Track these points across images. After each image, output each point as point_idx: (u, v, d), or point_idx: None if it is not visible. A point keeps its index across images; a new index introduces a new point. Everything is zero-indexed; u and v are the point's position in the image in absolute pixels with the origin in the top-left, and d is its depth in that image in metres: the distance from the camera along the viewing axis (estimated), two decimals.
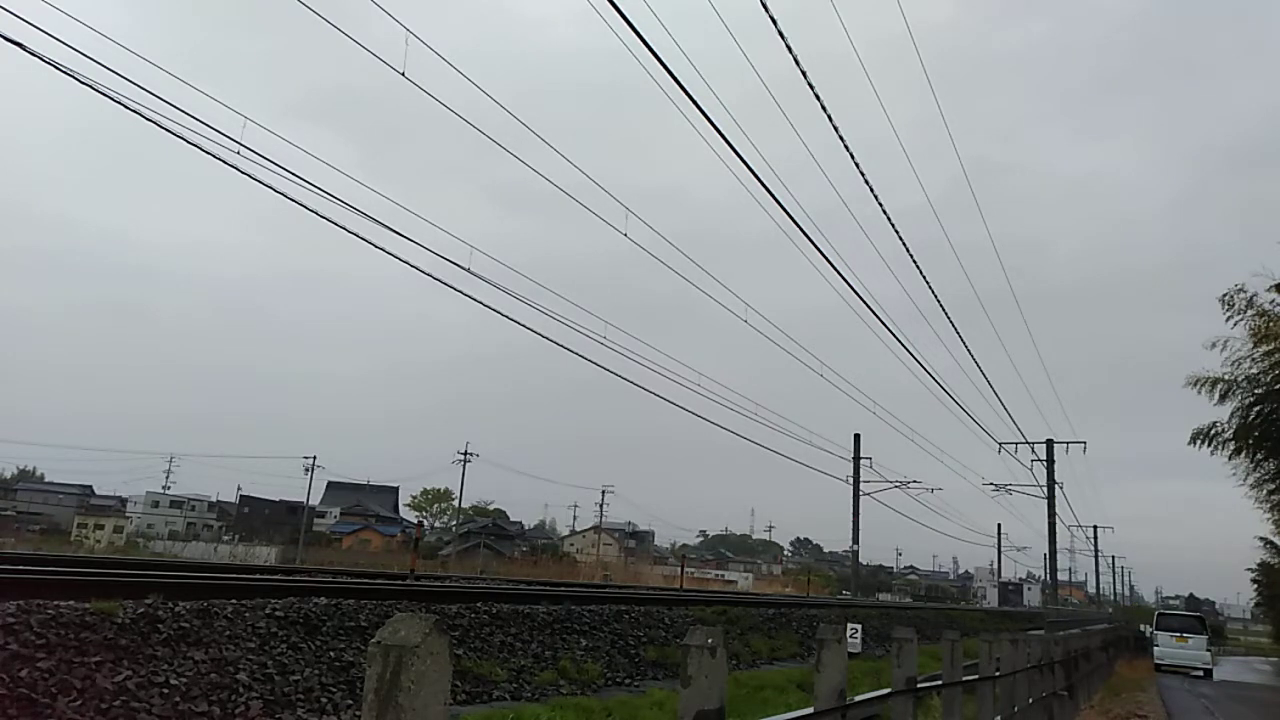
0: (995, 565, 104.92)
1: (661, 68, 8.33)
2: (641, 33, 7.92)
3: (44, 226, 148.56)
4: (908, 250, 13.93)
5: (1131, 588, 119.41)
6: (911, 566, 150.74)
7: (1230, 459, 24.40)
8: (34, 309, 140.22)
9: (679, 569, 61.49)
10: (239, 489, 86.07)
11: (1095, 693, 18.31)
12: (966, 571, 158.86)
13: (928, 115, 34.88)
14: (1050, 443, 34.76)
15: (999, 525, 76.16)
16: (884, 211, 12.14)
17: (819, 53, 11.35)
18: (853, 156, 10.81)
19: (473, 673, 10.62)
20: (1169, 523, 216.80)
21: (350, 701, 8.60)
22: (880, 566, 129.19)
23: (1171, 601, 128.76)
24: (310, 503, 71.87)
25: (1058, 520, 35.38)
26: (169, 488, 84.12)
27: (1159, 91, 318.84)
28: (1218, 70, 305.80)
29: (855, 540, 42.54)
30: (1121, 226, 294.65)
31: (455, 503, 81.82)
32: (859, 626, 20.19)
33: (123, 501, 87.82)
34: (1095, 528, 71.98)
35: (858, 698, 4.62)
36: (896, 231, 13.15)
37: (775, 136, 13.61)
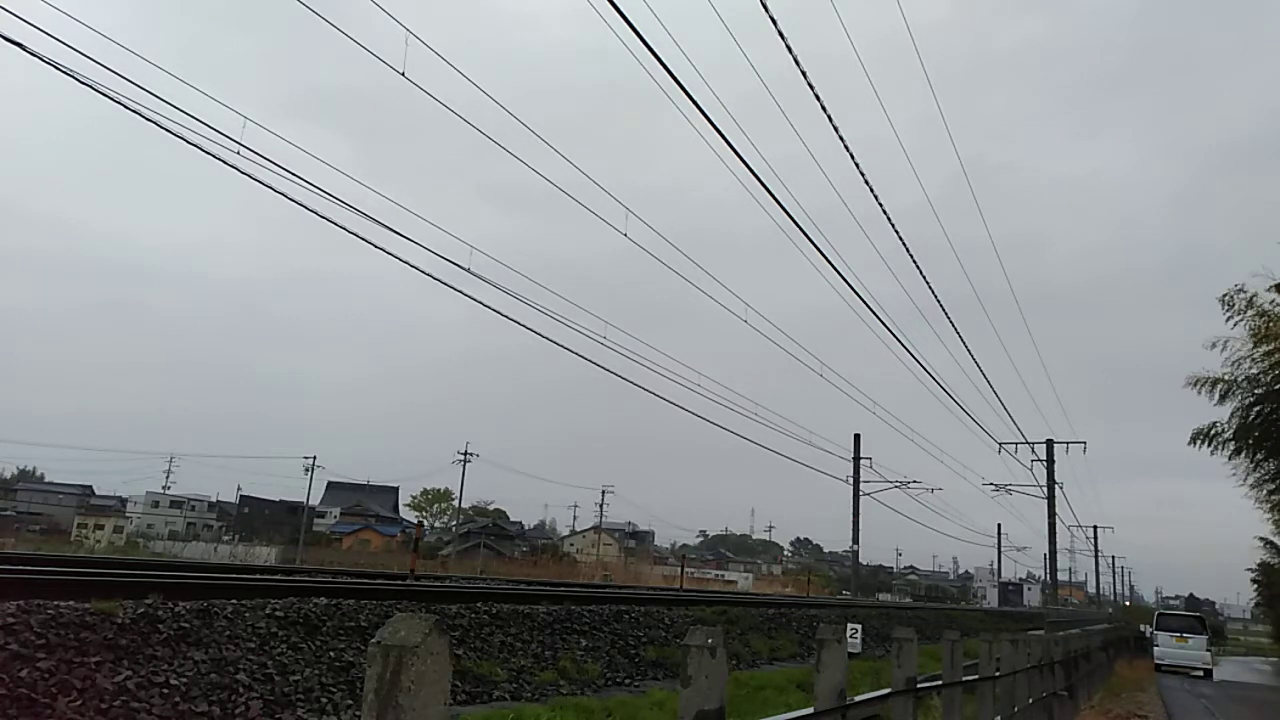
0: (995, 565, 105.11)
1: (660, 66, 8.33)
2: (640, 31, 7.92)
3: (43, 227, 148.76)
4: (907, 249, 13.92)
5: (1131, 588, 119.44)
6: (911, 566, 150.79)
7: (1230, 459, 24.41)
8: (34, 309, 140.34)
9: (679, 569, 61.48)
10: (239, 489, 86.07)
11: (1095, 693, 18.31)
12: (966, 572, 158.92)
13: (925, 114, 35.14)
14: (1050, 443, 34.76)
15: (999, 525, 76.25)
16: (883, 210, 12.14)
17: (815, 51, 11.35)
18: (852, 156, 10.81)
19: (473, 673, 10.61)
20: (1169, 523, 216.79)
21: (350, 701, 8.59)
22: (880, 566, 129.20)
23: (1171, 601, 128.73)
24: (310, 503, 71.87)
25: (1058, 520, 35.38)
26: (169, 488, 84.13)
27: (1158, 90, 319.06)
28: (1218, 69, 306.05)
29: (855, 540, 42.54)
30: (1121, 226, 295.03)
31: (455, 503, 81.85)
32: (859, 626, 20.18)
33: (123, 501, 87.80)
34: (1095, 528, 72.06)
35: (858, 698, 4.61)
36: (896, 231, 13.15)
37: (774, 135, 13.61)
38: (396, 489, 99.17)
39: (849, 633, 17.19)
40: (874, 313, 15.61)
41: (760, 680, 13.81)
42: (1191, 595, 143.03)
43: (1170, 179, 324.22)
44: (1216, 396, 23.23)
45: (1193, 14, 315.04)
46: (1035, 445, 34.59)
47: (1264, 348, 21.58)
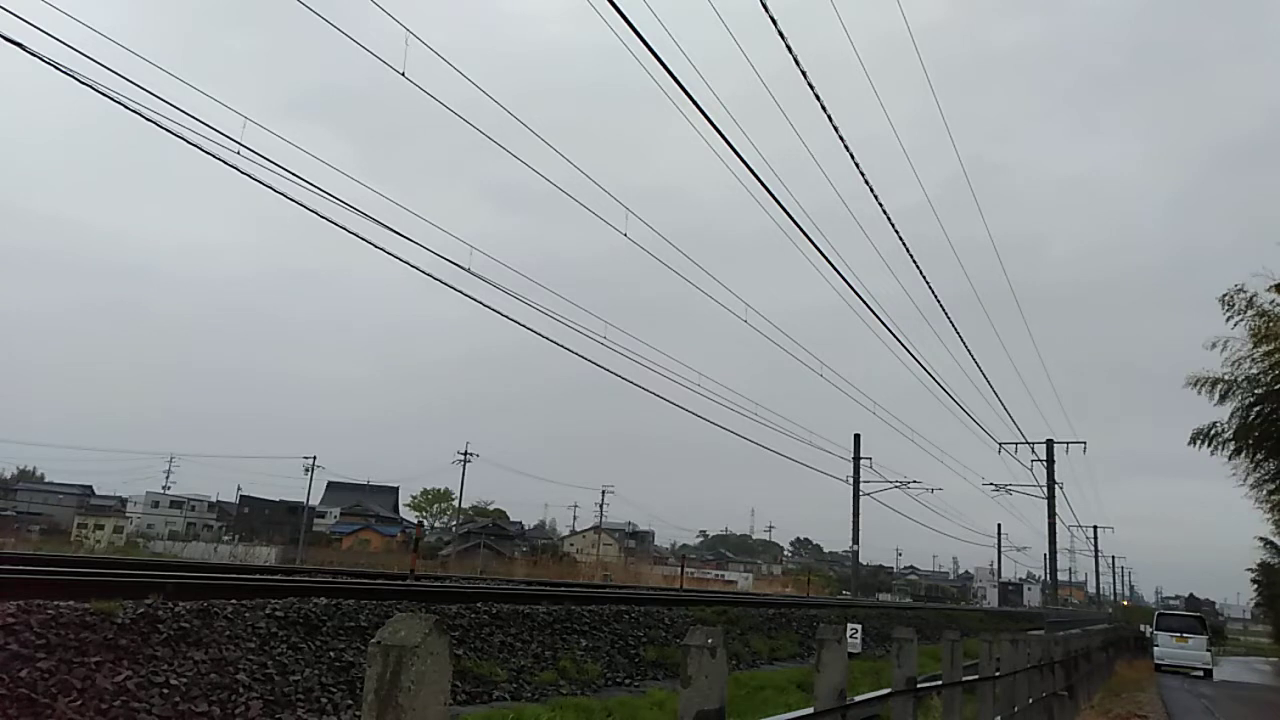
0: (995, 565, 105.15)
1: (659, 65, 8.32)
2: (639, 30, 7.92)
3: (43, 227, 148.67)
4: (907, 249, 13.92)
5: (1131, 588, 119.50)
6: (911, 567, 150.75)
7: (1230, 459, 24.42)
8: (34, 309, 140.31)
9: (679, 569, 61.55)
10: (239, 489, 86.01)
11: (1095, 693, 18.30)
12: (966, 572, 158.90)
13: (923, 113, 35.05)
14: (1050, 443, 34.79)
15: (999, 525, 76.45)
16: (883, 210, 12.14)
17: (815, 51, 11.35)
18: (852, 155, 10.81)
19: (473, 673, 10.61)
20: (1169, 523, 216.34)
21: (350, 701, 8.59)
22: (880, 567, 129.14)
23: (1171, 601, 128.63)
24: (310, 503, 71.84)
25: (1058, 520, 35.43)
26: (169, 488, 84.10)
27: (1158, 90, 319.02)
28: (1217, 69, 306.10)
29: (855, 540, 42.56)
30: (1121, 226, 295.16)
31: (455, 503, 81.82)
32: (859, 626, 20.18)
33: (123, 501, 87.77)
34: (1095, 528, 72.17)
35: (858, 698, 4.61)
36: (896, 230, 13.15)
37: (774, 135, 13.61)
38: (396, 489, 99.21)
39: (849, 633, 17.19)
40: (874, 313, 15.62)
41: (760, 680, 13.81)
42: (1191, 595, 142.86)
43: (1170, 179, 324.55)
44: (1216, 396, 23.26)
45: (1193, 14, 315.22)
46: (1035, 445, 34.65)
47: (1264, 348, 21.58)
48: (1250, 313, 21.72)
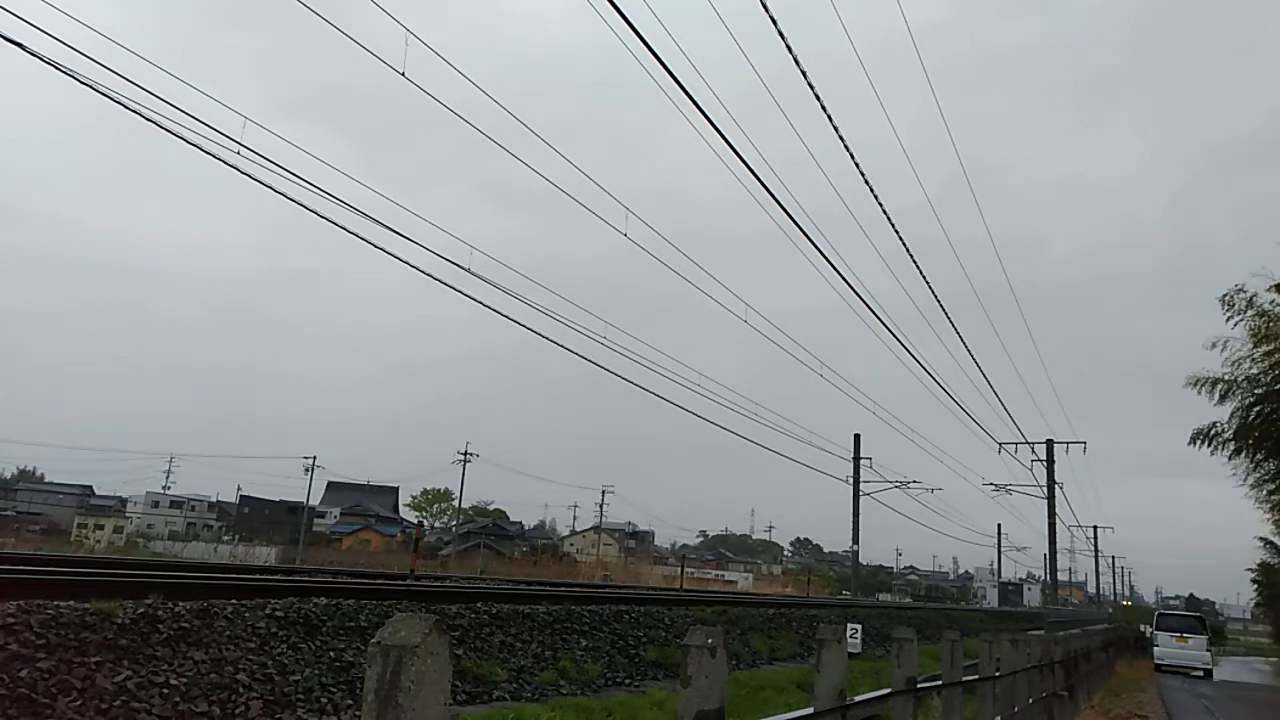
0: (995, 565, 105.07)
1: (659, 65, 8.32)
2: (639, 30, 7.92)
3: (43, 227, 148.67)
4: (907, 249, 13.91)
5: (1131, 588, 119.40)
6: (911, 567, 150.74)
7: (1230, 459, 24.39)
8: (34, 309, 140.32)
9: (679, 569, 61.58)
10: (239, 489, 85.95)
11: (1095, 693, 18.30)
12: (966, 572, 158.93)
13: (922, 113, 35.03)
14: (1050, 443, 34.74)
15: (999, 525, 76.27)
16: (883, 210, 12.13)
17: (815, 51, 11.35)
18: (852, 156, 10.80)
19: (473, 673, 10.62)
20: (1169, 523, 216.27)
21: (350, 701, 8.59)
22: (880, 567, 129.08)
23: (1171, 601, 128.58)
24: (310, 503, 71.80)
25: (1058, 520, 35.37)
26: (169, 488, 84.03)
27: (1158, 90, 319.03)
28: (1218, 69, 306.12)
29: (855, 540, 42.55)
30: (1121, 226, 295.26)
31: (455, 503, 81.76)
32: (859, 626, 20.18)
33: (123, 502, 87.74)
34: (1095, 528, 72.02)
35: (858, 698, 4.61)
36: (896, 230, 13.14)
37: (774, 135, 13.60)
38: (396, 489, 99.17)
39: (849, 633, 17.18)
40: (874, 313, 15.61)
41: (760, 680, 13.81)
42: (1191, 595, 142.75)
43: (1170, 179, 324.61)
44: (1216, 396, 23.23)
45: (1193, 14, 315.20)
46: (1035, 445, 34.59)
47: (1264, 348, 21.56)
48: (1250, 313, 21.71)
